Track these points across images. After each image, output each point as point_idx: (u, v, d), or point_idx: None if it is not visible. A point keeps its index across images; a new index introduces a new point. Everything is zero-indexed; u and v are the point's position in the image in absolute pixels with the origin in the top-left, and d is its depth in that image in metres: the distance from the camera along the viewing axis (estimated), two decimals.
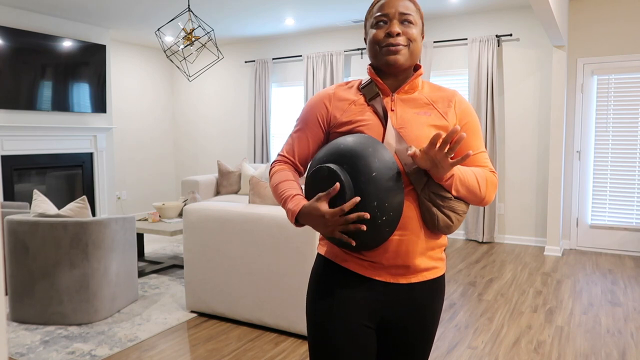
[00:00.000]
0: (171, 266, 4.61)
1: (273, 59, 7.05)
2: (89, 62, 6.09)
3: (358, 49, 6.40)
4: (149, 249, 5.36)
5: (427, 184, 1.19)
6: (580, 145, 5.34)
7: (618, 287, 4.05)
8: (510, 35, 5.49)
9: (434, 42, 5.89)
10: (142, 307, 3.54)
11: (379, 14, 1.26)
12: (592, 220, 5.33)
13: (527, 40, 5.50)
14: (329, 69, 6.54)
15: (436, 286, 1.30)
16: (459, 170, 1.21)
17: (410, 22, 1.25)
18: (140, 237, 4.81)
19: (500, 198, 5.74)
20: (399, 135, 1.21)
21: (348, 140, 1.17)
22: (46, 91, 5.65)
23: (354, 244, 1.14)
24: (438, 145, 1.10)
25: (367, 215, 1.09)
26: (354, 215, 1.10)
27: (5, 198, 5.39)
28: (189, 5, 4.34)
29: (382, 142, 1.20)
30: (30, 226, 3.20)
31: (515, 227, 5.68)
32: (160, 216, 4.58)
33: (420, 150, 1.13)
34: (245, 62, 7.28)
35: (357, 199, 1.10)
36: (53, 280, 3.20)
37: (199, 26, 5.01)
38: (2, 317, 0.66)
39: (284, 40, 7.04)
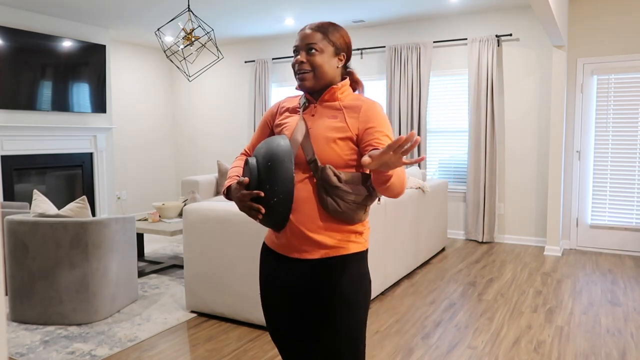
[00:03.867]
0: (171, 266, 4.61)
1: (273, 59, 7.05)
2: (89, 62, 6.09)
3: (358, 49, 6.40)
4: (149, 249, 5.36)
5: (321, 173, 1.42)
6: (580, 145, 5.34)
7: (618, 287, 4.06)
8: (510, 35, 5.49)
9: (434, 42, 5.89)
10: (142, 307, 3.54)
11: (294, 44, 1.55)
12: (592, 220, 5.33)
13: (527, 40, 5.50)
14: None
15: (343, 263, 1.47)
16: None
17: (315, 50, 1.50)
18: (140, 237, 4.81)
19: (500, 198, 5.74)
20: (306, 132, 1.49)
21: (264, 141, 1.49)
22: (46, 91, 5.65)
23: (260, 216, 1.43)
24: (393, 150, 1.17)
25: (262, 194, 1.40)
26: (254, 193, 1.41)
27: (5, 198, 5.39)
28: (188, 5, 4.34)
29: (291, 137, 1.49)
30: (30, 226, 3.20)
31: (515, 227, 5.68)
32: (160, 216, 4.58)
33: (371, 156, 1.20)
34: (245, 62, 7.28)
35: (261, 193, 1.41)
36: (53, 280, 3.20)
37: (199, 26, 5.01)
38: (2, 317, 0.66)
39: (284, 40, 7.04)
